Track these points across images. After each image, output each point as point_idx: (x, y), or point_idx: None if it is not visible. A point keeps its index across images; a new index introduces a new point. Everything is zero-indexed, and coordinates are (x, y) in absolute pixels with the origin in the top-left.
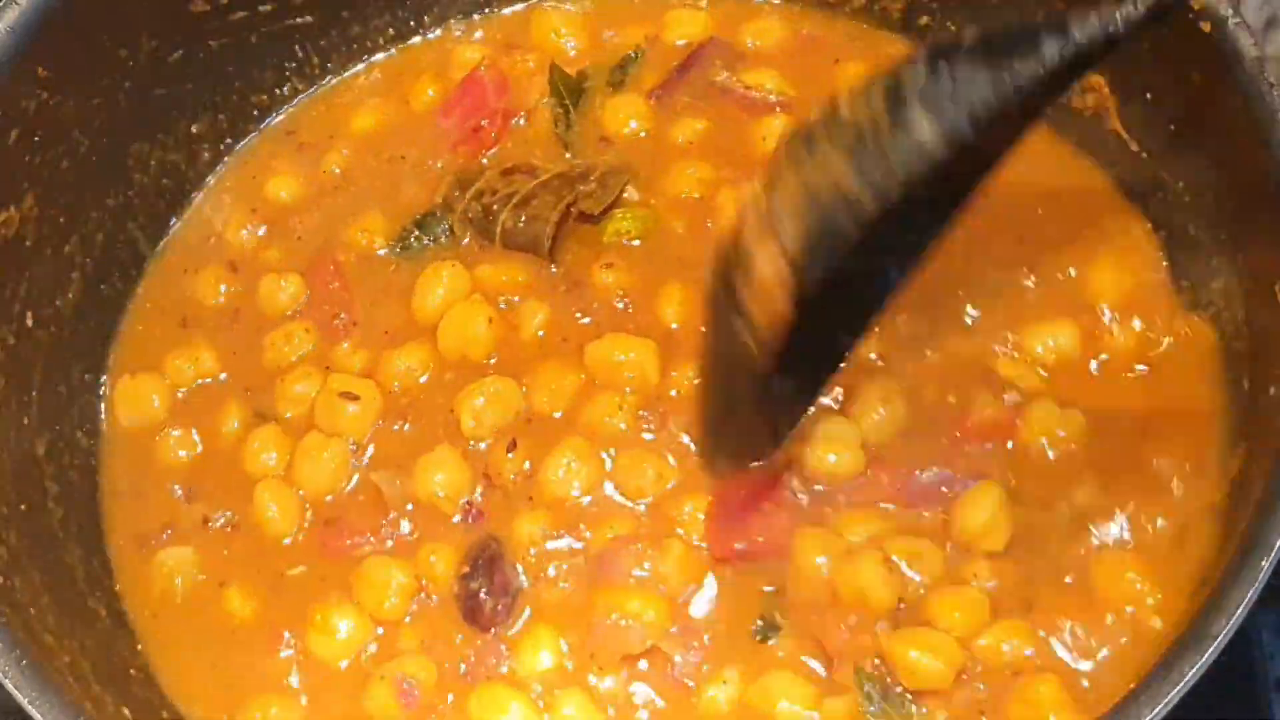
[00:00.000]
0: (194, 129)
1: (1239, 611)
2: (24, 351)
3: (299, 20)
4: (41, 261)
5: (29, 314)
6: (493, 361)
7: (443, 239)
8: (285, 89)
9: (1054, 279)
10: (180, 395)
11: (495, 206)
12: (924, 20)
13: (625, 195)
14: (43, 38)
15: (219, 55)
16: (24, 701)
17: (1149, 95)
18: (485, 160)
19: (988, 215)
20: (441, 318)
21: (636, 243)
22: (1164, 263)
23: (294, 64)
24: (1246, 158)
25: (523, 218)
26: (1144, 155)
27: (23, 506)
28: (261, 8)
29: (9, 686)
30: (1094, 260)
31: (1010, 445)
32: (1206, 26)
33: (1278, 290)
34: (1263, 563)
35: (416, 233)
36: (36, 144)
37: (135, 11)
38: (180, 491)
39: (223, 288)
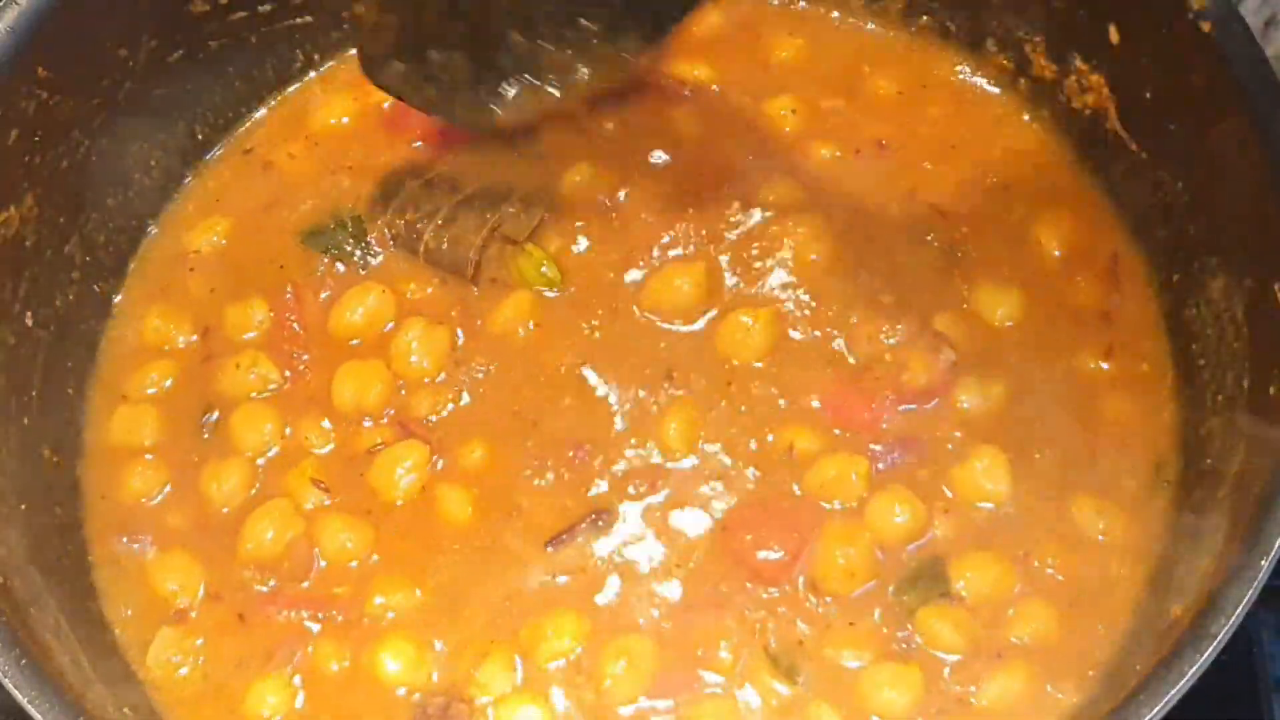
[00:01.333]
0: (194, 129)
1: (1239, 611)
2: (24, 351)
3: (299, 20)
4: (41, 261)
5: (29, 314)
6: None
7: (359, 255)
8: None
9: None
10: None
11: (420, 225)
12: (924, 19)
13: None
14: (43, 38)
15: (219, 55)
16: (24, 701)
17: (1149, 95)
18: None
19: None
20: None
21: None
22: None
23: (295, 64)
24: (1246, 157)
25: (446, 239)
26: (1144, 155)
27: (23, 506)
28: (261, 8)
29: (9, 686)
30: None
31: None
32: (1206, 26)
33: (1278, 290)
34: (1262, 562)
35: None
36: (36, 144)
37: (135, 11)
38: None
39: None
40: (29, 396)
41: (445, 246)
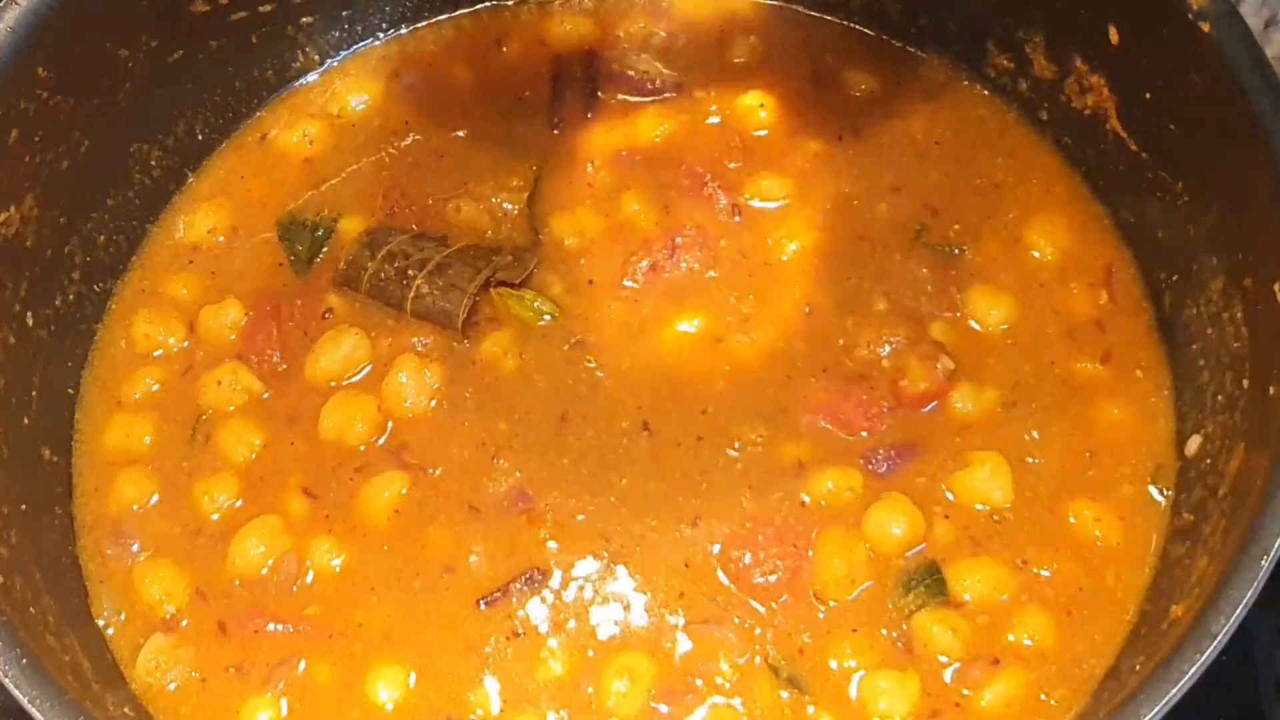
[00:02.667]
0: (194, 129)
1: (1239, 611)
2: (24, 351)
3: (299, 20)
4: (41, 261)
5: (29, 314)
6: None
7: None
8: (285, 89)
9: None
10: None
11: (410, 271)
12: (924, 20)
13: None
14: (43, 38)
15: (219, 55)
16: (24, 701)
17: (1149, 95)
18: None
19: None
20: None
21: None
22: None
23: (295, 64)
24: (1246, 158)
25: (439, 284)
26: (1144, 155)
27: (23, 506)
28: (261, 8)
29: (9, 686)
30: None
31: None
32: (1206, 26)
33: (1277, 290)
34: (1262, 562)
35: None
36: (36, 144)
37: (135, 11)
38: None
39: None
40: (29, 396)
41: (439, 291)
